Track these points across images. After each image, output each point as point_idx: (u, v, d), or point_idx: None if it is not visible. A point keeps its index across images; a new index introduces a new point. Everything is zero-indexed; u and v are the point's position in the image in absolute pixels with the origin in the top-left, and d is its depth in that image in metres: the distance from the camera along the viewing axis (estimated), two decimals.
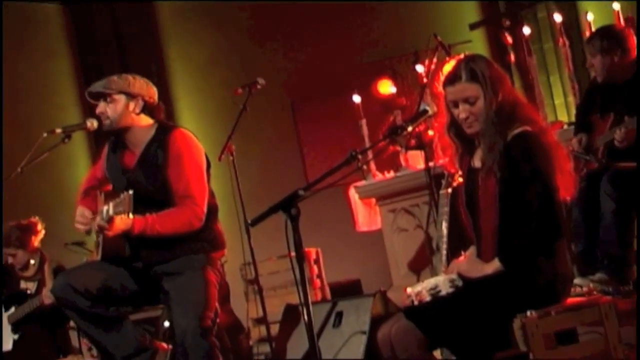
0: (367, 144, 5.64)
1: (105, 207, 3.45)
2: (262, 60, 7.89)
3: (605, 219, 4.08)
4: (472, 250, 3.03)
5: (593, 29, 5.05)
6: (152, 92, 3.72)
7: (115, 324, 3.64)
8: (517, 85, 6.61)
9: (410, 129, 3.03)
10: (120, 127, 3.66)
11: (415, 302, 2.88)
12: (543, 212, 2.82)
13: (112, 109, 3.64)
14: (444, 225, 3.58)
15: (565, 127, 5.06)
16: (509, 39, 5.99)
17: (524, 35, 5.60)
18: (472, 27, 7.06)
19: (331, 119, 7.69)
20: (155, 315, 5.78)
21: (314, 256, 6.23)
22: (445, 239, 3.53)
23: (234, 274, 6.12)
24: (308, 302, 2.73)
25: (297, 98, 8.10)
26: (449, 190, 3.65)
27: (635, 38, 4.27)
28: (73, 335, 5.38)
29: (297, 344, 4.69)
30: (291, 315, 4.86)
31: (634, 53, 4.22)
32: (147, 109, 3.68)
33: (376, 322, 4.23)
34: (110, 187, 3.82)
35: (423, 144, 5.13)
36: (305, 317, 2.74)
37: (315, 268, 6.19)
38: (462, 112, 2.93)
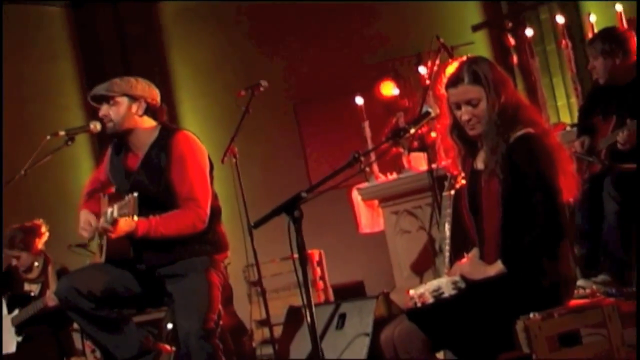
0: (370, 145, 5.64)
1: (110, 210, 3.45)
2: (265, 63, 7.90)
3: (608, 220, 4.08)
4: (474, 252, 3.03)
5: (596, 30, 5.05)
6: (155, 94, 3.73)
7: (119, 326, 3.65)
8: (520, 87, 6.61)
9: (412, 131, 3.03)
10: (124, 130, 3.66)
11: (418, 304, 2.88)
12: (546, 214, 2.82)
13: (115, 112, 3.64)
14: (447, 227, 3.58)
15: (568, 128, 5.05)
16: (512, 41, 5.99)
17: (526, 37, 5.61)
18: (475, 28, 7.07)
19: (334, 121, 7.70)
20: (158, 318, 5.78)
21: (316, 258, 6.23)
22: (448, 241, 3.54)
23: (237, 276, 6.13)
24: (311, 304, 2.73)
25: (299, 100, 8.11)
26: (452, 192, 3.65)
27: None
28: (77, 337, 5.38)
29: (300, 345, 4.70)
30: (294, 317, 4.87)
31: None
32: (150, 111, 3.69)
33: (379, 324, 4.24)
34: (113, 189, 3.82)
35: (426, 146, 5.14)
36: (308, 319, 2.74)
37: (318, 270, 6.19)
38: (464, 114, 2.94)
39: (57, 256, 5.41)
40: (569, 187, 2.91)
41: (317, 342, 2.76)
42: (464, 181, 3.13)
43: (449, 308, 2.82)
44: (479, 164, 3.00)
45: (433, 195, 5.14)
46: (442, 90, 3.00)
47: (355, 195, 5.93)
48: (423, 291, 2.89)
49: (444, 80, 3.00)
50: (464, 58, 3.01)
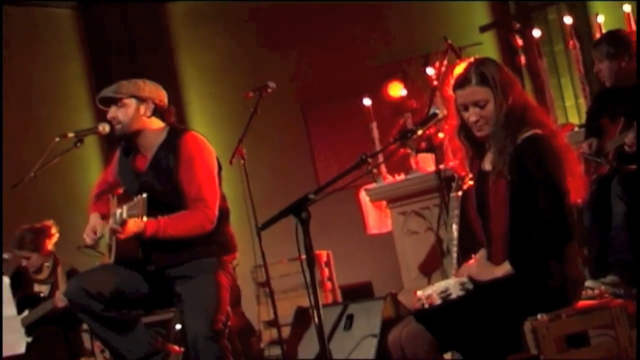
0: (378, 146, 5.65)
1: (119, 211, 3.47)
2: (273, 64, 7.91)
3: (616, 221, 4.07)
4: (482, 253, 3.03)
5: (604, 31, 5.04)
6: (162, 95, 3.75)
7: (128, 327, 3.66)
8: (528, 88, 6.61)
9: (420, 132, 3.04)
10: (132, 131, 3.67)
11: (426, 305, 2.89)
12: (553, 216, 2.82)
13: (123, 113, 3.66)
14: (454, 228, 3.58)
15: (576, 129, 5.04)
16: (519, 42, 5.98)
17: (534, 37, 5.60)
18: (483, 29, 7.07)
19: (342, 122, 7.70)
20: (167, 318, 5.80)
21: (324, 259, 6.24)
22: (455, 242, 3.54)
23: (245, 277, 6.15)
24: (318, 305, 2.74)
25: (307, 101, 8.12)
26: (459, 193, 3.65)
27: None
28: (86, 338, 5.41)
29: (308, 346, 4.72)
30: (302, 317, 4.88)
31: None
32: (158, 112, 3.70)
33: (387, 325, 4.25)
34: (121, 190, 3.84)
35: (433, 147, 5.14)
36: (316, 320, 2.75)
37: (326, 270, 6.20)
38: (472, 115, 2.94)
39: (66, 257, 5.43)
40: (577, 188, 2.91)
41: (325, 343, 2.77)
42: (471, 182, 3.13)
43: (457, 309, 2.82)
44: (487, 165, 3.00)
45: (441, 196, 5.14)
46: (450, 92, 3.01)
47: (363, 196, 5.93)
48: (430, 292, 2.89)
49: (452, 81, 3.00)
50: (472, 59, 3.01)
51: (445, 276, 4.79)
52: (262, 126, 5.77)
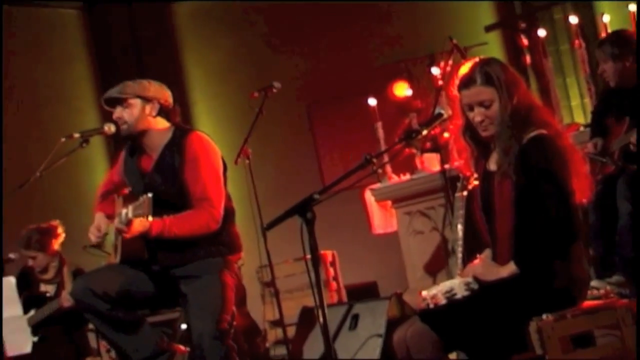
0: (383, 146, 5.65)
1: (125, 210, 3.48)
2: (278, 64, 7.92)
3: (622, 221, 4.06)
4: (487, 253, 3.03)
5: (609, 31, 5.03)
6: (167, 95, 3.76)
7: (134, 327, 3.67)
8: (533, 88, 6.60)
9: (424, 132, 3.04)
10: (138, 131, 3.68)
11: (431, 305, 2.89)
12: (559, 216, 2.82)
13: (128, 114, 3.67)
14: (460, 228, 3.58)
15: (582, 129, 5.03)
16: (525, 41, 5.97)
17: (539, 37, 5.59)
18: (488, 29, 7.06)
19: (347, 122, 7.70)
20: (172, 318, 5.82)
21: (330, 259, 6.24)
22: (460, 242, 3.54)
23: (250, 277, 6.15)
24: (323, 305, 2.74)
25: (313, 101, 8.12)
26: (464, 193, 3.65)
27: None
28: (92, 337, 5.42)
29: (314, 346, 4.71)
30: (307, 317, 4.88)
31: None
32: (164, 112, 3.71)
33: (392, 325, 4.24)
34: (127, 190, 3.85)
35: (439, 147, 5.13)
36: (321, 319, 2.75)
37: (331, 270, 6.20)
38: (477, 115, 2.94)
39: (72, 257, 5.45)
40: (582, 188, 2.91)
41: (330, 343, 2.77)
42: (476, 182, 3.13)
43: (462, 309, 2.82)
44: (492, 165, 3.00)
45: (446, 196, 5.13)
46: (455, 92, 3.01)
47: (369, 196, 5.93)
48: (435, 292, 2.89)
49: (457, 81, 3.00)
50: (477, 60, 3.01)
51: (450, 276, 4.79)
52: (268, 126, 5.78)
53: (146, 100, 3.68)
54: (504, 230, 2.93)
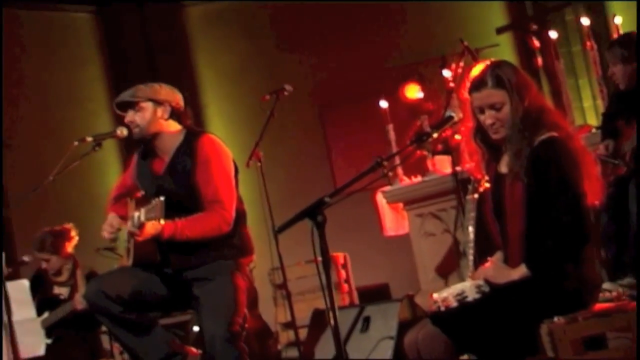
0: (394, 148, 5.65)
1: (137, 213, 3.49)
2: (290, 67, 7.94)
3: (634, 223, 4.05)
4: (498, 255, 3.03)
5: (621, 32, 5.02)
6: (179, 98, 3.77)
7: (146, 329, 3.68)
8: (545, 90, 6.59)
9: (435, 135, 3.04)
10: (150, 134, 3.70)
11: (442, 308, 2.89)
12: (570, 218, 2.82)
13: (140, 117, 3.69)
14: (471, 230, 3.57)
15: (594, 130, 5.02)
16: (536, 43, 5.96)
17: (551, 39, 5.58)
18: (499, 31, 7.05)
19: (359, 124, 7.71)
20: (185, 320, 5.83)
21: (341, 261, 6.24)
22: (471, 244, 3.52)
23: (262, 279, 6.16)
24: (334, 307, 2.75)
25: (324, 103, 8.13)
26: (476, 195, 3.65)
27: None
28: (105, 340, 5.44)
29: (325, 348, 4.73)
30: (319, 319, 4.89)
31: None
32: (175, 115, 3.73)
33: (403, 327, 4.25)
34: (139, 193, 3.87)
35: (450, 149, 5.13)
36: (332, 322, 2.76)
37: (343, 273, 6.20)
38: (488, 118, 2.94)
39: (85, 259, 5.48)
40: (594, 190, 2.90)
41: (341, 345, 2.78)
42: (487, 185, 3.12)
43: (473, 312, 2.82)
44: (503, 168, 3.00)
45: (457, 198, 5.13)
46: (466, 95, 3.01)
47: (380, 198, 5.93)
48: (447, 295, 2.90)
49: (467, 84, 3.00)
50: (488, 62, 3.01)
51: (462, 278, 4.78)
52: (280, 128, 5.79)
53: (158, 103, 3.70)
54: (515, 232, 2.93)
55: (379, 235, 6.10)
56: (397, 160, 4.51)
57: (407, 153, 3.65)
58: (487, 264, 3.03)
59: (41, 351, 5.04)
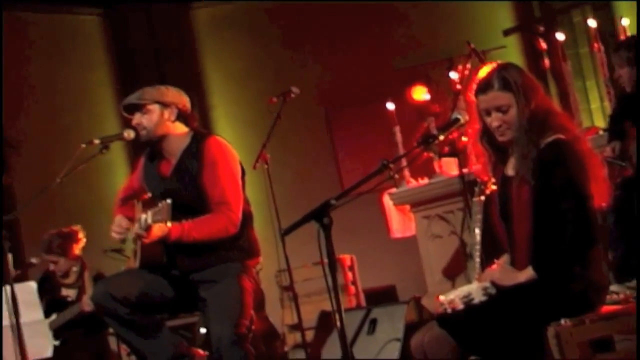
0: (401, 150, 5.65)
1: (144, 216, 3.50)
2: (297, 69, 7.95)
3: None
4: (505, 258, 3.03)
5: (628, 34, 5.01)
6: (185, 100, 3.79)
7: (153, 331, 3.69)
8: (553, 91, 6.58)
9: (441, 138, 3.04)
10: (157, 136, 3.71)
11: (448, 310, 2.89)
12: (577, 221, 2.81)
13: (147, 119, 3.70)
14: (477, 233, 3.57)
15: (601, 132, 5.01)
16: (544, 45, 5.95)
17: (558, 41, 5.57)
18: (506, 33, 7.04)
19: (366, 126, 7.72)
20: (192, 322, 5.85)
21: (348, 263, 6.25)
22: (478, 247, 3.52)
23: (269, 281, 6.17)
24: (340, 310, 2.75)
25: (331, 106, 8.14)
26: (482, 197, 3.65)
27: None
28: (112, 341, 5.46)
29: (332, 350, 4.73)
30: (325, 321, 4.90)
31: None
32: (182, 117, 3.74)
33: (410, 329, 4.25)
34: (146, 195, 3.88)
35: (457, 151, 5.13)
36: (338, 324, 2.76)
37: (349, 275, 6.21)
38: (494, 120, 2.94)
39: (93, 261, 5.49)
40: (600, 193, 2.89)
41: (347, 347, 2.78)
42: (494, 187, 3.12)
43: (479, 314, 2.82)
44: (510, 171, 2.99)
45: (464, 200, 5.13)
46: (472, 97, 3.01)
47: (387, 200, 5.93)
48: (453, 297, 2.89)
49: (474, 86, 3.00)
50: (494, 65, 3.00)
51: (469, 280, 4.77)
52: (287, 131, 5.80)
53: (164, 105, 3.71)
54: (522, 235, 2.93)
55: (386, 237, 6.10)
56: (404, 162, 4.51)
57: (414, 155, 3.65)
58: (494, 266, 3.02)
59: (49, 353, 5.06)
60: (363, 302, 6.25)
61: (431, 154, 5.48)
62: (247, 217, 3.72)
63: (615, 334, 2.93)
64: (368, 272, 6.66)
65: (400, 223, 5.92)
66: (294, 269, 5.31)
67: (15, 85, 7.62)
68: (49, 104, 7.83)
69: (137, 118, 3.72)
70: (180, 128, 3.75)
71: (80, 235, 5.40)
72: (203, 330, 5.50)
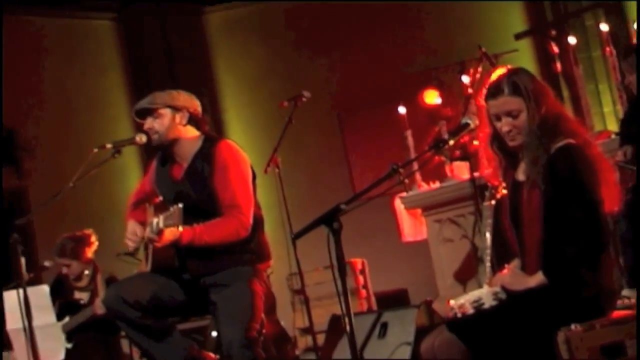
0: (413, 154, 5.66)
1: (155, 220, 3.52)
2: (309, 73, 7.97)
3: None
4: (516, 263, 3.02)
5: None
6: (196, 104, 3.80)
7: (164, 335, 3.71)
8: (565, 95, 6.56)
9: (451, 142, 3.05)
10: (169, 140, 3.73)
11: (458, 315, 2.89)
12: (587, 226, 2.81)
13: (159, 124, 3.72)
14: (488, 237, 3.57)
15: (613, 136, 4.99)
16: (555, 49, 5.94)
17: (570, 44, 5.56)
18: (518, 37, 7.02)
19: (378, 130, 7.72)
20: (204, 325, 5.86)
21: (359, 266, 6.25)
22: (488, 251, 3.52)
23: (280, 284, 6.18)
24: (350, 314, 2.76)
25: (343, 109, 8.15)
26: (493, 202, 3.64)
27: None
28: (125, 344, 5.48)
29: (343, 353, 4.73)
30: (336, 325, 4.90)
31: None
32: (193, 121, 3.76)
33: (421, 333, 4.25)
34: (158, 199, 3.90)
35: (468, 155, 5.13)
36: (348, 328, 2.77)
37: (360, 278, 6.21)
38: (504, 125, 2.94)
39: (106, 264, 5.52)
40: (611, 197, 2.89)
41: (357, 351, 2.79)
42: (504, 191, 3.12)
43: (490, 319, 2.82)
44: (520, 176, 2.99)
45: (476, 204, 5.12)
46: (482, 102, 3.01)
47: (398, 204, 5.93)
48: (463, 302, 2.89)
49: (484, 91, 3.00)
50: (504, 70, 3.00)
51: (480, 284, 4.77)
52: (299, 134, 5.81)
53: (176, 109, 3.73)
54: (533, 240, 2.92)
55: (398, 241, 6.10)
56: (415, 166, 4.51)
57: (425, 159, 3.65)
58: (504, 271, 3.02)
59: (61, 356, 5.09)
60: (374, 306, 6.24)
61: (442, 158, 5.47)
62: (258, 221, 3.73)
63: (627, 339, 2.91)
64: (380, 276, 6.66)
65: (412, 227, 5.92)
66: (305, 273, 5.32)
67: (30, 89, 7.68)
68: (62, 107, 7.88)
69: (149, 122, 3.74)
70: (192, 132, 3.76)
71: (93, 238, 5.42)
72: (215, 334, 5.52)
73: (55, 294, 5.19)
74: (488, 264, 3.54)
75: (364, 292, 6.17)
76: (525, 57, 7.17)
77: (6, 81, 7.18)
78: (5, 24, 7.17)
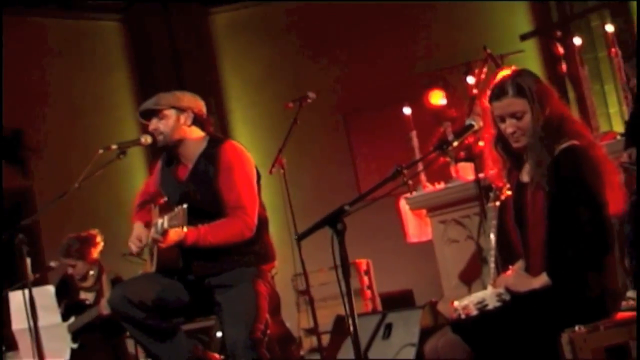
0: (417, 155, 5.66)
1: (160, 220, 3.53)
2: (315, 73, 7.98)
3: None
4: (520, 264, 3.02)
5: None
6: (201, 105, 3.81)
7: (169, 335, 3.71)
8: (570, 96, 6.55)
9: (455, 144, 3.05)
10: (174, 141, 3.74)
11: (462, 316, 2.89)
12: (592, 227, 2.81)
13: (164, 124, 3.73)
14: (492, 238, 3.57)
15: (618, 137, 4.98)
16: (561, 50, 5.93)
17: (575, 45, 5.55)
18: (523, 37, 7.02)
19: (383, 130, 7.73)
20: (208, 326, 5.87)
21: (364, 267, 6.25)
22: (493, 252, 3.52)
23: (285, 285, 6.19)
24: (354, 315, 2.76)
25: (349, 110, 8.16)
26: (497, 203, 3.64)
27: None
28: (130, 344, 5.49)
29: (347, 354, 4.74)
30: (341, 326, 4.91)
31: None
32: (198, 122, 3.77)
33: (425, 334, 4.25)
34: (163, 200, 3.91)
35: (473, 156, 5.13)
36: (352, 330, 2.77)
37: (365, 279, 6.21)
38: (509, 126, 2.94)
39: (111, 264, 5.54)
40: (615, 199, 2.89)
41: (360, 352, 2.79)
42: (509, 192, 3.12)
43: (493, 320, 2.82)
44: (525, 177, 2.99)
45: (481, 205, 5.12)
46: (486, 103, 3.01)
47: (403, 205, 5.93)
48: (467, 303, 2.90)
49: (488, 93, 3.00)
50: (508, 71, 3.00)
51: (485, 285, 4.77)
52: (305, 135, 5.81)
53: (180, 110, 3.74)
54: (537, 241, 2.92)
55: (403, 242, 6.10)
56: (420, 167, 4.50)
57: (430, 160, 3.65)
58: (508, 272, 3.02)
59: (66, 356, 5.11)
60: (379, 307, 6.25)
61: (447, 159, 5.47)
62: (263, 222, 3.74)
63: (631, 340, 2.91)
64: (385, 277, 6.66)
65: (417, 227, 5.92)
66: (310, 273, 5.32)
67: (36, 90, 7.71)
68: (68, 108, 7.91)
69: (154, 123, 3.75)
70: (197, 133, 3.77)
71: (98, 239, 5.44)
72: (220, 334, 5.52)
73: (60, 294, 5.20)
74: (492, 265, 3.54)
75: (368, 292, 6.17)
76: (530, 58, 7.17)
77: (12, 82, 7.21)
78: (11, 24, 7.20)
